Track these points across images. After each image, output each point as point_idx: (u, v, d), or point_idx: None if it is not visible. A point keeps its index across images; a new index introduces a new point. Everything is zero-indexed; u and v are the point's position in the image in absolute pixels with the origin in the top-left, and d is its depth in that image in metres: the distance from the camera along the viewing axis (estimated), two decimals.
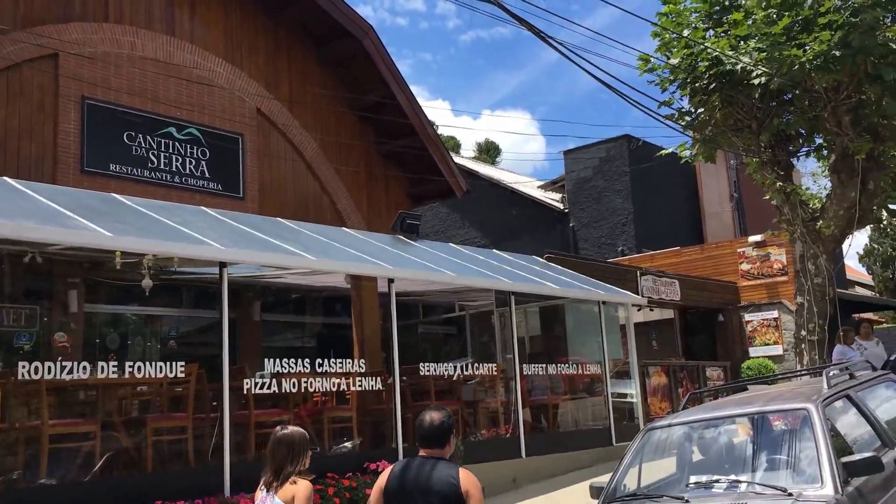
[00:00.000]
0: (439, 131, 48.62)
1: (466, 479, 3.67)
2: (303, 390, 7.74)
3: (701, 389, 9.99)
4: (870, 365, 6.95)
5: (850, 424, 5.30)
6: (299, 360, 7.71)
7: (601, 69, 10.40)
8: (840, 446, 5.02)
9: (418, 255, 10.15)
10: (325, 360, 7.98)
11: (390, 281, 8.62)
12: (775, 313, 16.84)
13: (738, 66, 9.78)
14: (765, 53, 9.49)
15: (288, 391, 7.60)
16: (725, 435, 5.23)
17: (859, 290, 41.77)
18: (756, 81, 9.44)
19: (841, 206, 9.87)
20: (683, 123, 11.00)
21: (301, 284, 10.95)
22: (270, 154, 11.94)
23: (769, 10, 9.56)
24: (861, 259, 41.25)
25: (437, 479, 3.68)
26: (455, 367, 9.17)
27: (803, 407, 4.89)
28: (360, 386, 8.19)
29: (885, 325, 35.37)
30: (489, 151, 45.61)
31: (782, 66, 9.40)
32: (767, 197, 10.51)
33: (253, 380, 7.47)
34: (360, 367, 8.35)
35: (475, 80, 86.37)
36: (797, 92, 10.04)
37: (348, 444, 8.26)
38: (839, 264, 9.95)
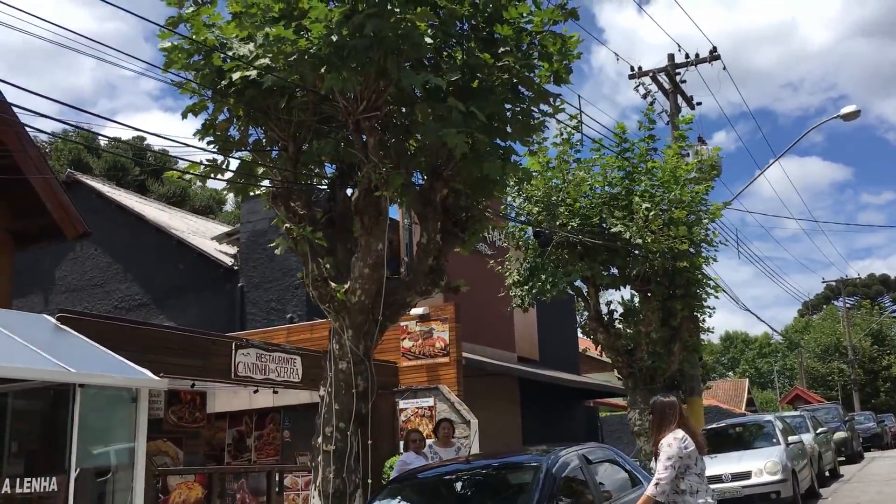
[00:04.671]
0: None
1: None
2: None
3: None
4: None
5: None
6: None
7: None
8: None
9: None
10: None
11: None
12: (431, 401, 14.10)
13: (254, 63, 6.87)
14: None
15: None
16: None
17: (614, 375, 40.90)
18: (238, 77, 6.56)
19: (366, 262, 7.02)
20: (211, 139, 7.86)
21: None
22: None
23: None
24: None
25: None
26: None
27: None
28: None
29: (621, 413, 34.25)
30: None
31: (277, 57, 6.56)
32: (273, 245, 7.56)
33: None
34: None
35: None
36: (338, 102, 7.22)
37: None
38: (374, 343, 6.98)
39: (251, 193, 8.03)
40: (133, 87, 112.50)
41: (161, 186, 38.56)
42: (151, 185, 38.66)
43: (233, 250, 19.18)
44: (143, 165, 38.79)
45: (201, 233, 20.80)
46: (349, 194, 7.87)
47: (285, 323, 16.95)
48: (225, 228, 22.08)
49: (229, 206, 43.31)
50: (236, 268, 18.21)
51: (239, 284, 17.94)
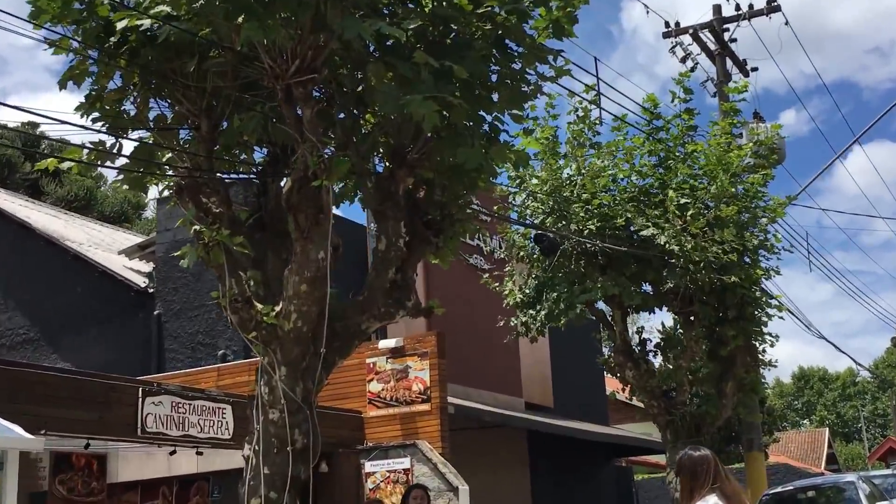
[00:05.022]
0: None
1: None
2: None
3: None
4: None
5: None
6: None
7: None
8: None
9: None
10: None
11: None
12: (406, 462, 13.92)
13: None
14: None
15: None
16: None
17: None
18: (124, 27, 6.43)
19: (303, 276, 6.84)
20: (97, 116, 7.69)
21: None
22: None
23: None
24: None
25: None
26: None
27: None
28: None
29: (662, 475, 34.05)
30: None
31: (180, 3, 6.41)
32: (177, 253, 7.39)
33: None
34: None
35: None
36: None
37: None
38: (317, 386, 6.84)
39: (153, 186, 7.89)
40: (29, 60, 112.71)
41: (60, 187, 38.33)
42: (47, 185, 38.42)
43: (148, 267, 19.06)
44: (35, 159, 38.57)
45: (107, 245, 20.68)
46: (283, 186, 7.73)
47: (216, 362, 16.80)
48: (138, 239, 21.95)
49: (150, 211, 43.14)
50: (152, 290, 18.07)
51: (155, 312, 17.80)
